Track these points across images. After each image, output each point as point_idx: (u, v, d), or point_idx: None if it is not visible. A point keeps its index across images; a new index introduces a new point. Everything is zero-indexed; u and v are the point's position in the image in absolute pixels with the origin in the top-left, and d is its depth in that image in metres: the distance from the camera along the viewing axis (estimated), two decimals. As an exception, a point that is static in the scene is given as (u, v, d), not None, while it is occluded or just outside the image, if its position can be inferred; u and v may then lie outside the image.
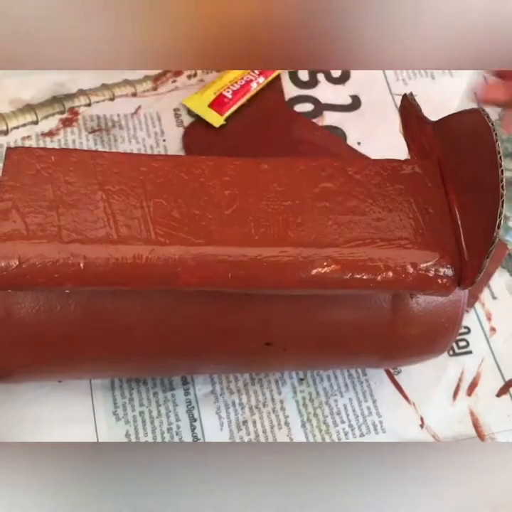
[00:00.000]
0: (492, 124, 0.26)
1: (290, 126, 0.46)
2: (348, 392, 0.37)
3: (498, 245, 0.42)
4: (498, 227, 0.25)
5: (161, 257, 0.26)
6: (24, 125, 0.43)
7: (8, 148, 0.28)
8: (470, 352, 0.39)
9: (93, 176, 0.28)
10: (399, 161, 0.30)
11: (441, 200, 0.29)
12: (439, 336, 0.32)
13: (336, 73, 0.49)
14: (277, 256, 0.27)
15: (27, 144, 0.42)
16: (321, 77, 0.48)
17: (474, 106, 0.47)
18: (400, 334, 0.31)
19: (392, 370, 0.38)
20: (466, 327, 0.40)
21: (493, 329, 0.40)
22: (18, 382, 0.33)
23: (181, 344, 0.30)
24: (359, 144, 0.46)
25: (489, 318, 0.40)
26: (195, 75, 0.47)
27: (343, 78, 0.48)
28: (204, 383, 0.36)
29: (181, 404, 0.36)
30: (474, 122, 0.27)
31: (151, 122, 0.45)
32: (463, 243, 0.28)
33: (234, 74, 0.46)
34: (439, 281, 0.28)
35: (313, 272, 0.27)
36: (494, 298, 0.41)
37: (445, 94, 0.48)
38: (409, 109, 0.32)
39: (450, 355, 0.39)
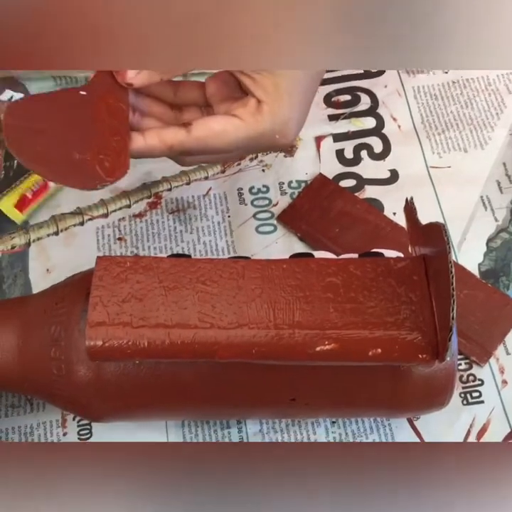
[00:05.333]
0: (448, 245, 0.33)
1: (335, 200, 0.54)
2: (373, 434, 0.45)
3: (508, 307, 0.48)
4: (453, 319, 0.32)
5: (203, 338, 0.36)
6: (120, 208, 0.54)
7: (98, 257, 0.38)
8: (482, 402, 0.45)
9: (156, 277, 0.38)
10: (392, 258, 0.38)
11: (423, 291, 0.36)
12: (434, 397, 0.39)
13: (378, 149, 0.56)
14: (289, 336, 0.36)
15: (122, 224, 0.53)
16: (363, 154, 0.56)
17: (503, 176, 0.53)
18: (400, 397, 0.39)
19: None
20: (479, 379, 0.46)
21: (504, 382, 0.46)
22: (108, 422, 0.43)
23: (225, 400, 0.40)
24: (395, 214, 0.53)
25: (502, 372, 0.46)
26: (256, 157, 0.56)
27: (384, 154, 0.56)
28: (253, 423, 0.45)
29: (235, 440, 0.45)
30: (438, 236, 0.34)
31: (219, 201, 0.55)
32: (437, 326, 0.35)
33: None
34: (420, 356, 0.35)
35: (318, 348, 0.35)
36: (508, 354, 0.47)
37: (476, 166, 0.54)
38: (410, 210, 0.40)
39: (464, 405, 0.45)
